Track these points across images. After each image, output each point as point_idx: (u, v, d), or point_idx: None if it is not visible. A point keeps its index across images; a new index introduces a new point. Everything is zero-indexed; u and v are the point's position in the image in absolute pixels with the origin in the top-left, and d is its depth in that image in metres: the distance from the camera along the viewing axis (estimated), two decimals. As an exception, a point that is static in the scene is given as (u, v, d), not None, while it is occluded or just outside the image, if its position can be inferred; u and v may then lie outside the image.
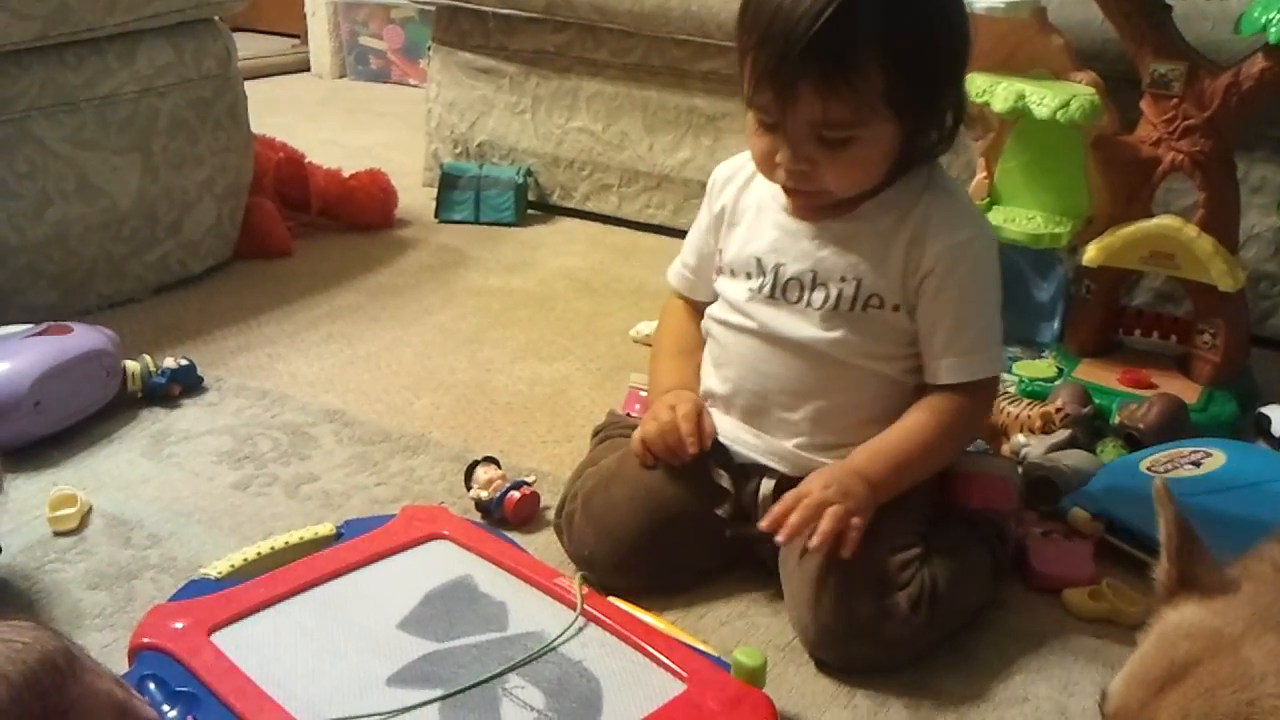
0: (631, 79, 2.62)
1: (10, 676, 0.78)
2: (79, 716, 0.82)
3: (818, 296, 1.30)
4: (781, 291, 1.32)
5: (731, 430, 1.36)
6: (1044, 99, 1.70)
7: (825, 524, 1.19)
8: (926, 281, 1.27)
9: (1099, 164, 1.82)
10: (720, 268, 1.39)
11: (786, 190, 1.30)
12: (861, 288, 1.28)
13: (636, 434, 1.36)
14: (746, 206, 1.37)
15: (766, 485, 1.34)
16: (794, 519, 1.20)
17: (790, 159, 1.23)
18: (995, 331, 1.32)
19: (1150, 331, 1.93)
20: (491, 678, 1.12)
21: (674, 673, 1.14)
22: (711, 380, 1.40)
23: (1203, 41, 1.78)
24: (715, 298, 1.40)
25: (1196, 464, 1.49)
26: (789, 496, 1.23)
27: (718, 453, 1.36)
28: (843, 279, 1.29)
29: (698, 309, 1.45)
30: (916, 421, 1.29)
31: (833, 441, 1.31)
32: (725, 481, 1.36)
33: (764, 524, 1.23)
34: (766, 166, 1.28)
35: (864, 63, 1.17)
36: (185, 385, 1.79)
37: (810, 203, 1.30)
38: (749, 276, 1.34)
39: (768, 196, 1.35)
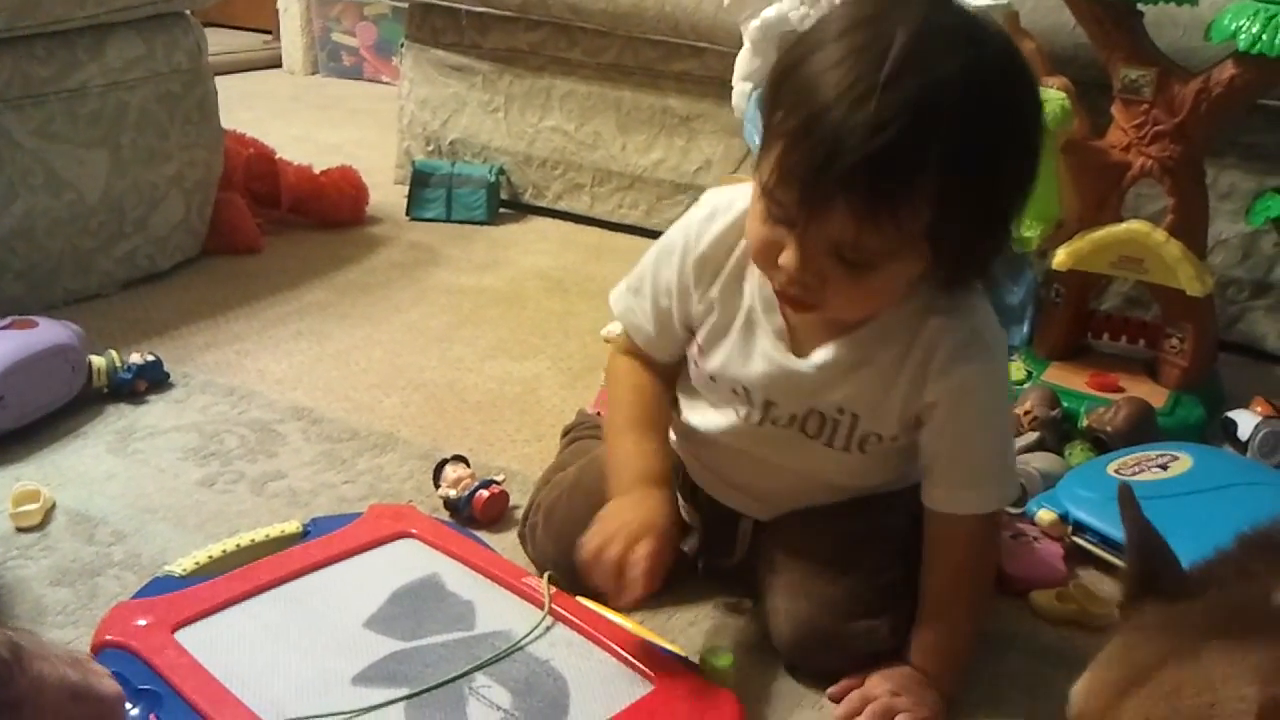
0: (605, 79, 2.62)
1: None
2: (32, 707, 0.80)
3: (811, 427, 1.20)
4: (772, 422, 1.21)
5: (703, 476, 1.33)
6: (1016, 103, 1.70)
7: None
8: (930, 413, 1.16)
9: (1069, 168, 1.82)
10: (697, 357, 1.24)
11: (779, 294, 1.12)
12: (858, 426, 1.18)
13: (584, 543, 1.16)
14: (733, 315, 1.20)
15: (745, 525, 1.32)
16: None
17: (798, 269, 1.04)
18: (1004, 459, 1.21)
19: (1119, 336, 1.94)
20: (458, 677, 1.11)
21: (642, 673, 1.13)
22: (684, 436, 1.32)
23: (1174, 48, 1.79)
24: (679, 359, 1.28)
25: (1164, 467, 1.50)
26: (854, 697, 1.16)
27: (685, 483, 1.34)
28: (839, 412, 1.18)
29: (657, 368, 1.28)
30: (946, 585, 1.19)
31: (822, 497, 1.27)
32: (691, 518, 1.33)
33: None
34: (765, 261, 1.09)
35: (917, 195, 0.99)
36: (151, 381, 1.78)
37: (801, 312, 1.13)
38: (735, 396, 1.22)
39: (759, 310, 1.18)
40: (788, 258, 1.05)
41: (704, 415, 1.28)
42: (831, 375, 1.16)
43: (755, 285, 1.18)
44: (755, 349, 1.19)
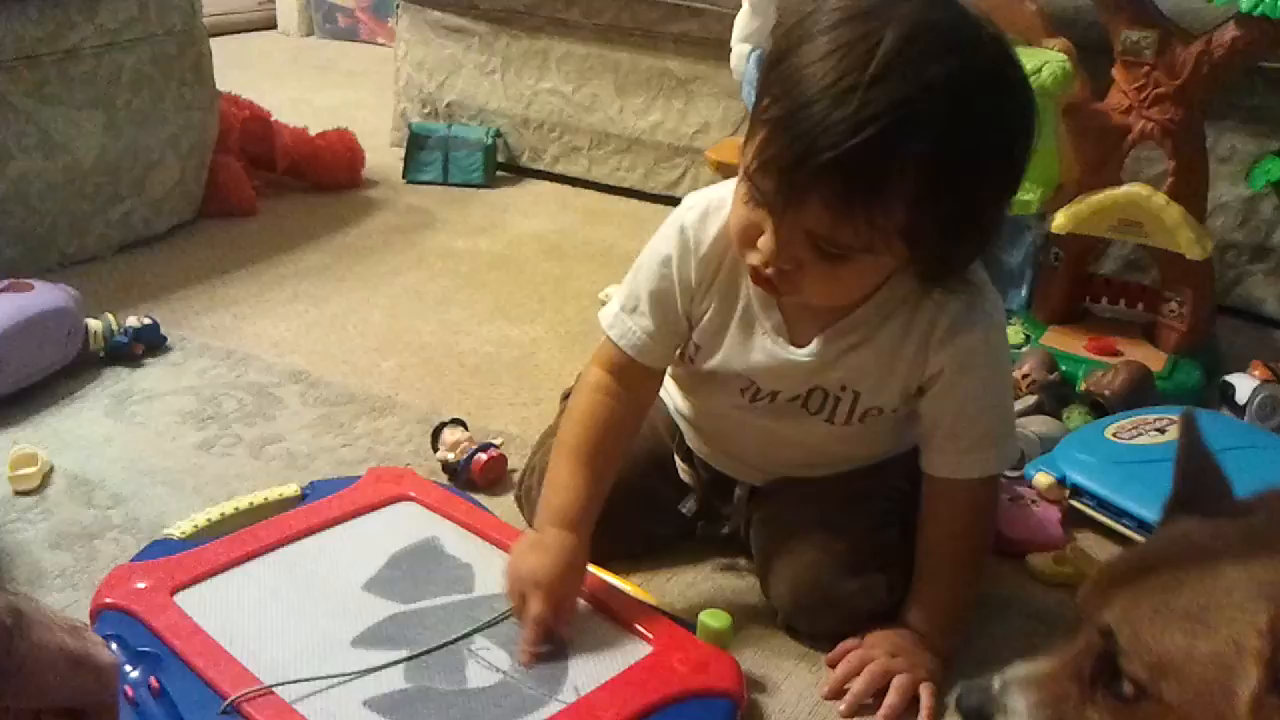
0: (603, 40, 2.60)
1: None
2: (30, 674, 0.80)
3: (814, 404, 1.20)
4: (771, 399, 1.21)
5: (701, 447, 1.33)
6: (1016, 65, 1.69)
7: (893, 697, 1.12)
8: (932, 383, 1.16)
9: (1069, 131, 1.82)
10: (693, 355, 1.23)
11: (752, 275, 1.11)
12: (860, 401, 1.18)
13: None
14: (731, 312, 1.19)
15: (742, 490, 1.32)
16: (858, 687, 1.14)
17: (774, 254, 1.04)
18: (1004, 423, 1.21)
19: (1117, 299, 1.94)
20: (456, 640, 1.11)
21: (640, 635, 1.14)
22: (682, 408, 1.33)
23: (1175, 9, 1.79)
24: (669, 360, 1.25)
25: (1161, 430, 1.50)
26: (853, 658, 1.16)
27: (682, 446, 1.35)
28: (842, 389, 1.18)
29: (642, 378, 1.24)
30: (943, 548, 1.20)
31: (820, 468, 1.28)
32: (690, 479, 1.34)
33: (825, 693, 1.15)
34: (744, 242, 1.08)
35: (892, 196, 0.99)
36: (148, 344, 1.77)
37: (773, 295, 1.14)
38: (741, 392, 1.22)
39: (756, 306, 1.18)
40: (765, 242, 1.05)
41: (704, 395, 1.28)
42: (832, 359, 1.16)
43: (748, 285, 1.17)
44: (754, 343, 1.19)
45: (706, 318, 1.20)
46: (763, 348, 1.18)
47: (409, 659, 1.08)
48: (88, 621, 1.12)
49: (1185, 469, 0.95)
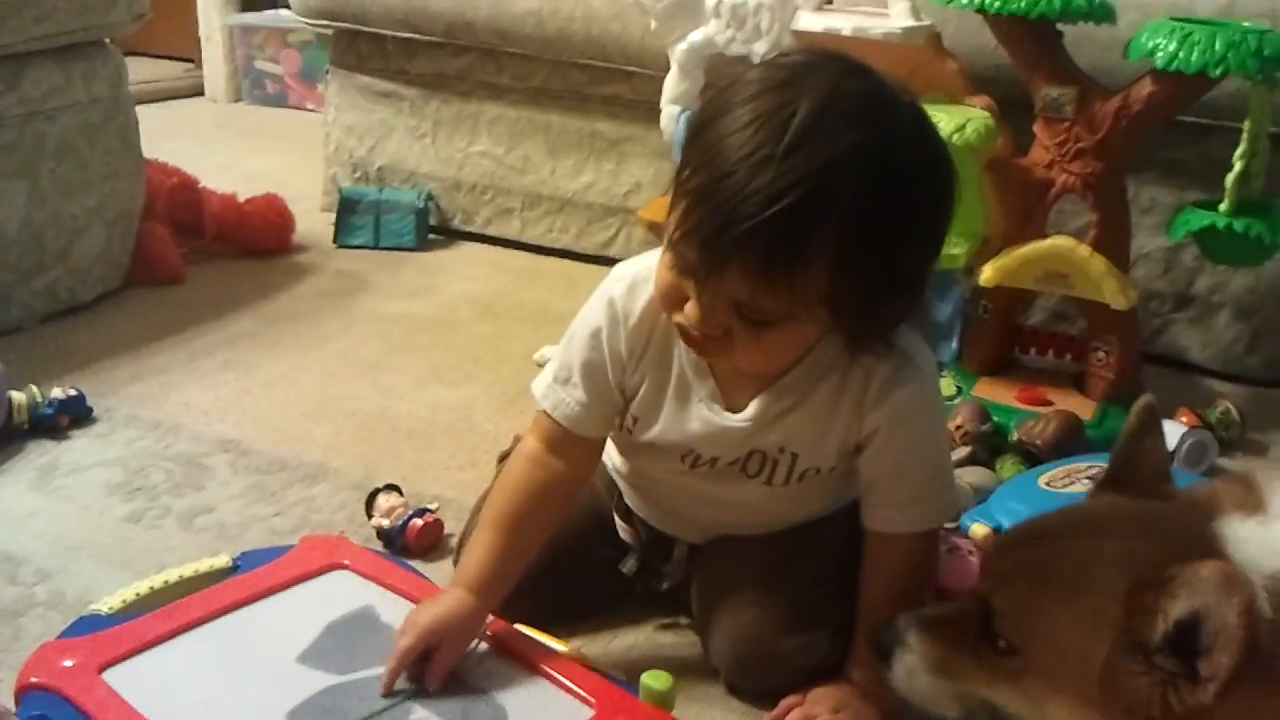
0: (533, 103, 2.62)
1: None
2: None
3: (752, 467, 1.21)
4: (712, 467, 1.22)
5: (640, 506, 1.33)
6: (940, 122, 1.70)
7: None
8: (869, 440, 1.17)
9: (994, 186, 1.85)
10: (631, 427, 1.23)
11: (682, 336, 1.12)
12: (798, 463, 1.20)
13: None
14: (665, 383, 1.20)
15: (681, 548, 1.33)
16: None
17: (698, 322, 1.06)
18: (940, 479, 1.21)
19: (1046, 350, 1.97)
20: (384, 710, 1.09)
21: (582, 699, 1.12)
22: (621, 469, 1.33)
23: (1093, 66, 1.83)
24: (605, 430, 1.25)
25: (1093, 479, 1.51)
26: (795, 715, 1.17)
27: (621, 505, 1.35)
28: (780, 451, 1.19)
29: (578, 449, 1.23)
30: (884, 601, 1.17)
31: (760, 527, 1.28)
32: (630, 537, 1.34)
33: None
34: (670, 305, 1.10)
35: (812, 262, 0.99)
36: (74, 416, 1.74)
37: (705, 357, 1.16)
38: (681, 459, 1.22)
39: (690, 374, 1.18)
40: (690, 309, 1.06)
41: (643, 460, 1.28)
42: (768, 422, 1.17)
43: (682, 350, 1.18)
44: (691, 413, 1.19)
45: (642, 390, 1.20)
46: (699, 416, 1.19)
47: (346, 731, 1.06)
48: (14, 702, 1.09)
49: (1123, 453, 1.01)
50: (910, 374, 1.15)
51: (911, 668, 1.01)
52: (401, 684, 1.13)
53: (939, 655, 1.00)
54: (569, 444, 1.22)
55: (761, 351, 1.08)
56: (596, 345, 1.20)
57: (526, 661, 1.17)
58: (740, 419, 1.17)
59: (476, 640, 1.19)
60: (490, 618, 1.22)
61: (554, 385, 1.23)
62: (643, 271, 1.18)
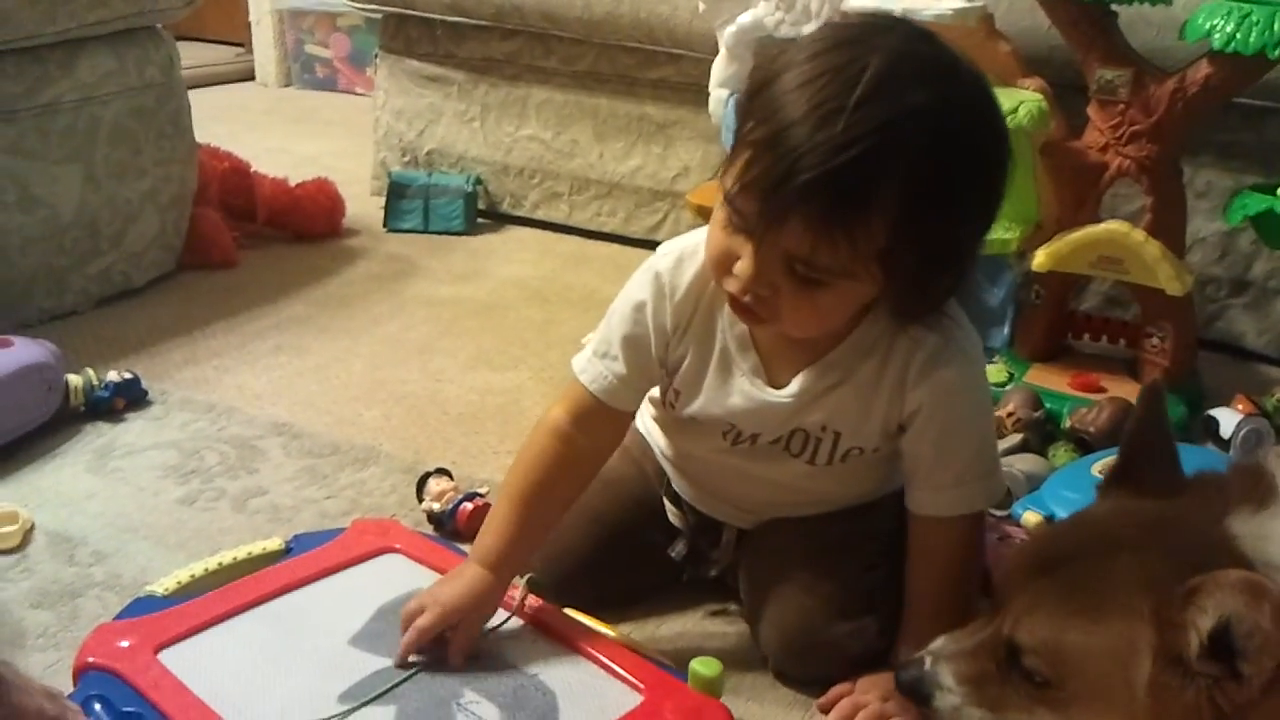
0: (581, 87, 2.62)
1: None
2: None
3: (795, 445, 1.20)
4: (753, 444, 1.22)
5: (687, 490, 1.33)
6: (993, 105, 1.70)
7: None
8: (911, 420, 1.17)
9: (1047, 170, 1.83)
10: (674, 401, 1.24)
11: (731, 303, 1.11)
12: (841, 441, 1.19)
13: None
14: (708, 357, 1.20)
15: (729, 533, 1.32)
16: None
17: (751, 278, 1.05)
18: (986, 459, 1.20)
19: (1099, 336, 1.94)
20: (387, 690, 1.10)
21: (630, 684, 1.12)
22: (667, 451, 1.33)
23: (1149, 48, 1.80)
24: (638, 404, 1.26)
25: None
26: (845, 704, 1.17)
27: (670, 489, 1.35)
28: (822, 429, 1.18)
29: (605, 423, 1.24)
30: (931, 587, 1.19)
31: (806, 508, 1.28)
32: (679, 521, 1.34)
33: None
34: (720, 268, 1.09)
35: (874, 218, 0.99)
36: (129, 399, 1.76)
37: (751, 324, 1.15)
38: (723, 435, 1.22)
39: (733, 349, 1.19)
40: (743, 266, 1.05)
41: (686, 439, 1.28)
42: (811, 399, 1.17)
43: (726, 324, 1.18)
44: (733, 387, 1.19)
45: (685, 364, 1.21)
46: (741, 390, 1.18)
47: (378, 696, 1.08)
48: (71, 681, 1.11)
49: (1133, 442, 1.01)
50: (953, 354, 1.14)
51: (956, 706, 0.98)
52: (454, 677, 1.14)
53: (980, 691, 0.97)
54: (597, 418, 1.23)
55: (810, 313, 1.07)
56: (640, 319, 1.20)
57: (575, 646, 1.18)
58: (783, 395, 1.17)
59: (503, 619, 1.19)
60: (539, 601, 1.23)
61: (593, 359, 1.23)
62: (689, 247, 1.18)
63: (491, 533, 1.20)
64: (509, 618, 1.20)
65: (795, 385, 1.17)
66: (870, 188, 0.98)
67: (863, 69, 0.98)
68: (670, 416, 1.27)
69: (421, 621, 1.14)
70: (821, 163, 0.96)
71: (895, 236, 1.01)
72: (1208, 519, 0.91)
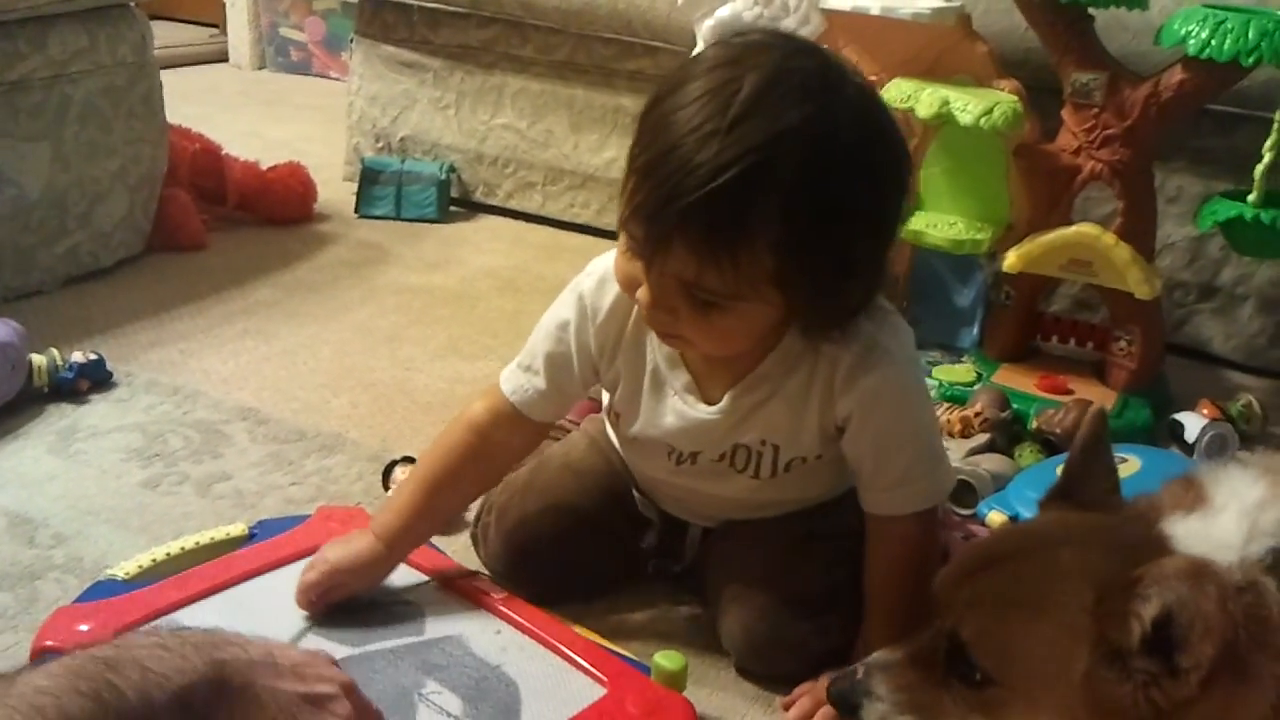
0: (557, 76, 2.61)
1: None
2: None
3: (739, 461, 1.21)
4: (694, 463, 1.22)
5: (650, 492, 1.33)
6: (967, 105, 1.71)
7: None
8: (846, 425, 1.16)
9: (1020, 171, 1.84)
10: (615, 423, 1.27)
11: (648, 324, 1.12)
12: (781, 454, 1.19)
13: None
14: (640, 378, 1.21)
15: (694, 532, 1.33)
16: None
17: (648, 303, 1.06)
18: (926, 460, 1.19)
19: (1068, 338, 1.96)
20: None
21: (594, 677, 1.13)
22: (625, 460, 1.33)
23: (1124, 52, 1.81)
24: (557, 417, 1.29)
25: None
26: (806, 700, 1.16)
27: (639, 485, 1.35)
28: (762, 444, 1.19)
29: (522, 429, 1.26)
30: (888, 584, 1.18)
31: (766, 510, 1.27)
32: (651, 512, 1.34)
33: None
34: (629, 293, 1.10)
35: (757, 240, 0.99)
36: (94, 380, 1.74)
37: (679, 349, 1.16)
38: (660, 447, 1.23)
39: (664, 368, 1.19)
40: (641, 292, 1.06)
41: (636, 458, 1.29)
42: (744, 414, 1.17)
43: (655, 343, 1.18)
44: (666, 406, 1.20)
45: (620, 385, 1.22)
46: (674, 409, 1.19)
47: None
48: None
49: (1076, 464, 1.01)
50: (877, 359, 1.13)
51: (885, 716, 0.98)
52: (415, 663, 1.13)
53: (911, 698, 0.97)
54: (515, 424, 1.25)
55: (713, 334, 1.07)
56: (564, 338, 1.21)
57: (540, 638, 1.17)
58: (713, 411, 1.17)
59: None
60: (504, 594, 1.23)
61: (517, 370, 1.25)
62: (613, 267, 1.17)
63: (393, 511, 1.24)
64: (427, 581, 1.24)
65: (725, 401, 1.17)
66: (748, 209, 0.98)
67: (737, 90, 0.98)
68: (619, 437, 1.28)
69: (308, 576, 1.19)
70: (698, 186, 0.96)
71: (783, 257, 1.00)
72: (1144, 525, 0.93)
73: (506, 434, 1.25)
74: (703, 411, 1.18)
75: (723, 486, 1.24)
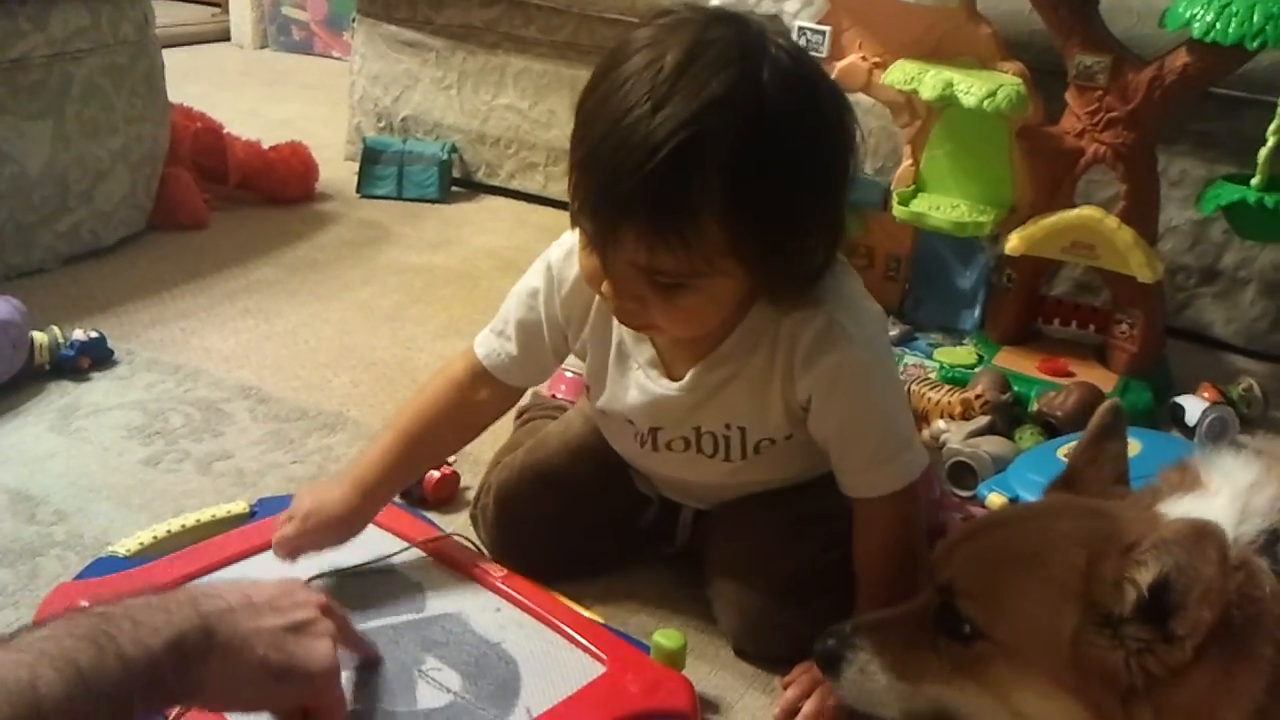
0: (560, 57, 2.60)
1: None
2: (216, 692, 0.86)
3: (706, 446, 1.21)
4: (666, 446, 1.23)
5: (640, 474, 1.33)
6: (971, 88, 1.71)
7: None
8: (808, 406, 1.16)
9: (1023, 154, 1.83)
10: (588, 396, 1.27)
11: (621, 321, 1.13)
12: (748, 435, 1.19)
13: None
14: (606, 351, 1.21)
15: (686, 513, 1.33)
16: (809, 708, 1.13)
17: (613, 294, 1.07)
18: (893, 442, 1.17)
19: (1069, 321, 1.95)
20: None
21: (593, 655, 1.13)
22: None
23: (1128, 35, 1.80)
24: (533, 383, 1.33)
25: (1112, 452, 1.51)
26: (804, 680, 1.15)
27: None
28: (727, 428, 1.19)
29: (498, 390, 1.27)
30: (875, 565, 1.18)
31: (749, 489, 1.27)
32: (649, 490, 1.34)
33: (776, 715, 1.14)
34: (593, 285, 1.11)
35: (703, 215, 0.98)
36: (95, 358, 1.74)
37: (649, 334, 1.16)
38: (627, 425, 1.24)
39: (629, 342, 1.19)
40: (606, 286, 1.07)
41: (612, 438, 1.29)
42: (706, 393, 1.17)
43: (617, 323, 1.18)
44: (630, 380, 1.20)
45: (590, 357, 1.22)
46: (637, 383, 1.19)
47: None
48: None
49: (1085, 454, 1.02)
50: (836, 338, 1.12)
51: (865, 669, 0.98)
52: (415, 640, 1.13)
53: (895, 656, 0.98)
54: (490, 386, 1.26)
55: (681, 316, 1.07)
56: (534, 305, 1.22)
57: (540, 616, 1.18)
58: (675, 388, 1.17)
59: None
60: (504, 571, 1.23)
61: (490, 334, 1.26)
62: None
63: (369, 462, 1.24)
64: (405, 548, 1.25)
65: (688, 379, 1.17)
66: (688, 185, 0.97)
67: (659, 70, 0.97)
68: (594, 412, 1.28)
69: (285, 533, 1.19)
70: (634, 171, 0.96)
71: (732, 227, 1.00)
72: (1140, 507, 0.94)
73: (485, 394, 1.27)
74: (665, 387, 1.18)
75: (698, 472, 1.24)
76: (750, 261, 1.03)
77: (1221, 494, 0.91)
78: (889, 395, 1.19)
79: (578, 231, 1.09)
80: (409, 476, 1.30)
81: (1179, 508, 0.91)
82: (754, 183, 0.99)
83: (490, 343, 1.26)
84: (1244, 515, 0.89)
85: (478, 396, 1.26)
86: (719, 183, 0.98)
